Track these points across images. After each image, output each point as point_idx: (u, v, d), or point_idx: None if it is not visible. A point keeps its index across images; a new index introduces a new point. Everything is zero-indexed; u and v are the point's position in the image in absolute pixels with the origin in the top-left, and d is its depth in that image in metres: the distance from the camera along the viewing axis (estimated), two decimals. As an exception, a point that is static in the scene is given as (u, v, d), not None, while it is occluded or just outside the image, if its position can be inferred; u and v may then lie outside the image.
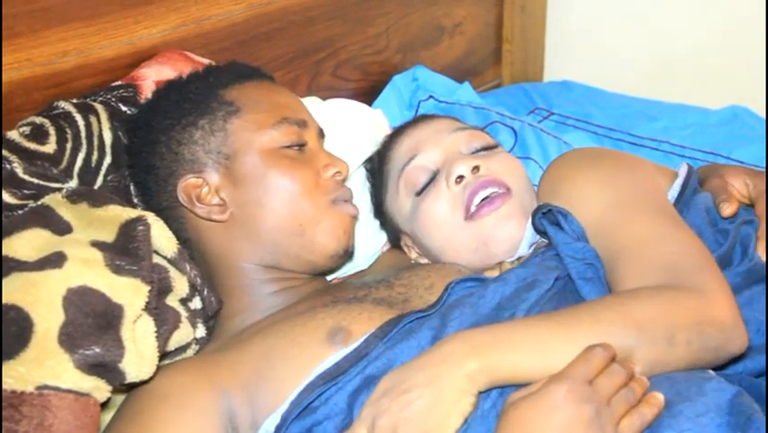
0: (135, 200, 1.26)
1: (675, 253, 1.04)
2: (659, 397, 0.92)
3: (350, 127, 1.53)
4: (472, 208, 1.24)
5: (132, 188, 1.26)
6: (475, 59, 2.23)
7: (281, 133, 1.22)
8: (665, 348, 0.96)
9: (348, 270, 1.42)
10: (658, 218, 1.10)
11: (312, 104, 1.58)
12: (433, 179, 1.30)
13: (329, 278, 1.37)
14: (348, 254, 1.25)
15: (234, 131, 1.21)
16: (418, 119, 1.42)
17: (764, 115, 2.00)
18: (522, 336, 0.97)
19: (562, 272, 1.11)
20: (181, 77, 1.30)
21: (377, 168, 1.41)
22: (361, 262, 1.44)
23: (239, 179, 1.20)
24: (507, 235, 1.23)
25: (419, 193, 1.30)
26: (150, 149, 1.22)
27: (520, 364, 0.95)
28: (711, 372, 1.00)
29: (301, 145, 1.24)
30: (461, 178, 1.26)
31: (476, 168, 1.26)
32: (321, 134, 1.30)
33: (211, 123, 1.21)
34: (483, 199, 1.24)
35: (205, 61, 1.46)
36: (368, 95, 1.86)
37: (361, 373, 1.03)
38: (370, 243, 1.46)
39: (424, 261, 1.35)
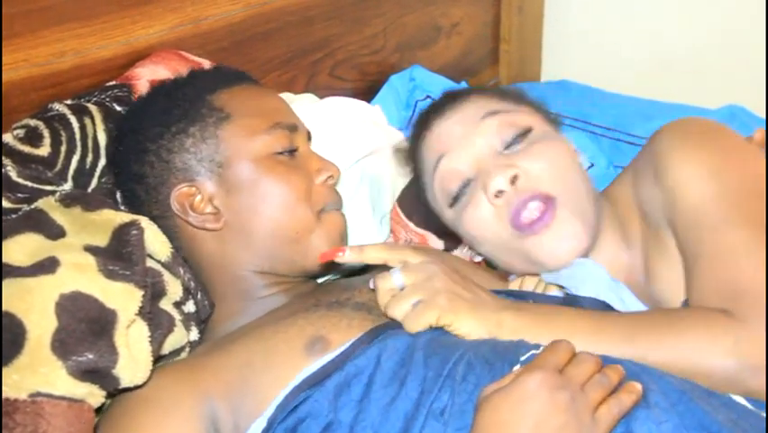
0: (122, 208, 1.23)
1: (748, 280, 1.01)
2: (637, 386, 0.92)
3: (348, 125, 1.53)
4: (521, 225, 1.16)
5: (118, 196, 1.25)
6: (472, 58, 2.23)
7: (274, 138, 1.20)
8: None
9: (343, 271, 1.42)
10: (747, 230, 1.04)
11: (309, 102, 1.58)
12: (467, 186, 1.22)
13: (322, 279, 1.36)
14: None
15: (226, 138, 1.19)
16: (444, 102, 1.30)
17: (764, 115, 2.00)
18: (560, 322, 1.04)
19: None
20: (166, 82, 1.28)
21: (410, 158, 1.36)
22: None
23: (232, 187, 1.18)
24: (564, 253, 1.17)
25: (453, 204, 1.24)
26: (138, 157, 1.20)
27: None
28: None
29: (292, 150, 1.23)
30: (500, 192, 1.17)
31: (514, 178, 1.17)
32: (309, 137, 1.29)
33: (202, 130, 1.19)
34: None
35: (200, 61, 1.46)
36: (365, 95, 1.86)
37: (343, 371, 1.04)
38: (368, 240, 1.46)
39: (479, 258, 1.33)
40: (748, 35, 2.18)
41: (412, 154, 1.34)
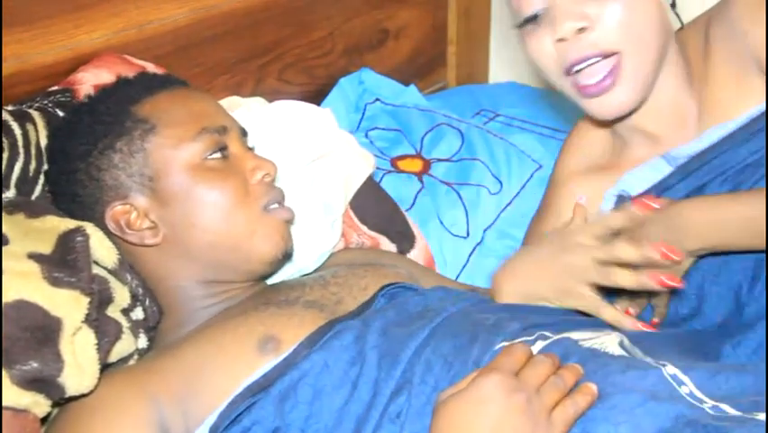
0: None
1: None
2: (592, 387, 0.93)
3: (298, 128, 1.52)
4: (578, 85, 1.17)
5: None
6: (420, 61, 2.24)
7: (202, 144, 1.17)
8: None
9: (293, 274, 1.41)
10: None
11: (258, 105, 1.57)
12: (536, 16, 1.18)
13: (271, 281, 1.36)
14: (287, 256, 1.24)
15: (154, 150, 1.16)
16: None
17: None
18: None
19: None
20: (90, 96, 1.25)
21: None
22: (309, 264, 1.43)
23: (166, 199, 1.16)
24: (612, 114, 1.18)
25: (521, 26, 1.20)
26: (69, 177, 1.18)
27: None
28: (664, 361, 0.99)
29: (223, 149, 1.20)
30: (564, 39, 1.15)
31: (582, 29, 1.14)
32: (243, 133, 1.26)
33: (129, 144, 1.16)
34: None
35: (144, 64, 1.44)
36: (314, 98, 1.86)
37: (288, 377, 1.03)
38: (319, 244, 1.45)
39: None
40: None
41: None
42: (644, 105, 1.21)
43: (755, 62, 1.16)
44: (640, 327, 1.12)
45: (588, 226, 1.15)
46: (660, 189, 1.21)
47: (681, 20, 1.26)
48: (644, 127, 1.24)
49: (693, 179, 1.19)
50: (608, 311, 1.13)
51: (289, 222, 1.24)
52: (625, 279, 1.10)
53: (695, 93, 1.21)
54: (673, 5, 1.24)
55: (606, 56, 1.14)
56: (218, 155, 1.19)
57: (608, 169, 1.26)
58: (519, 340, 1.02)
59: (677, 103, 1.22)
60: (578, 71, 1.16)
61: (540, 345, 1.02)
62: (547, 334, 1.04)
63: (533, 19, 1.18)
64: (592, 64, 1.15)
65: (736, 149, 1.17)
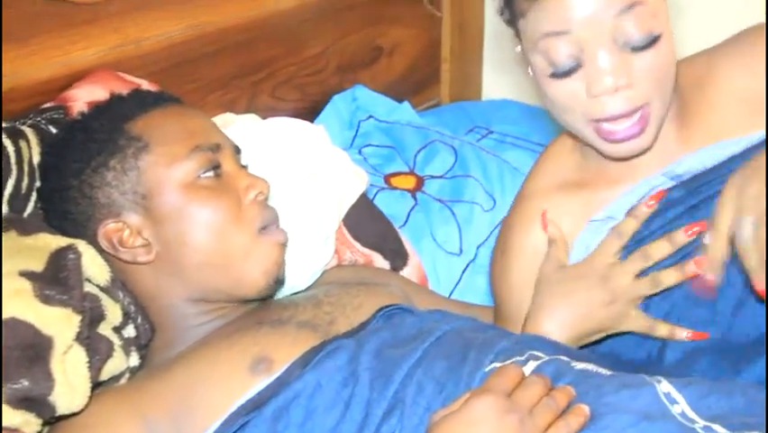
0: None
1: None
2: (584, 408, 0.93)
3: (291, 145, 1.52)
4: (604, 132, 1.12)
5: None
6: (414, 78, 2.25)
7: (195, 162, 1.17)
8: None
9: (285, 291, 1.41)
10: None
11: (251, 122, 1.57)
12: (573, 69, 1.11)
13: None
14: (279, 283, 1.23)
15: (147, 168, 1.16)
16: None
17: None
18: None
19: None
20: (83, 113, 1.25)
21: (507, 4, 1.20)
22: (302, 281, 1.43)
23: (159, 217, 1.16)
24: (627, 156, 1.15)
25: (554, 76, 1.12)
26: (62, 195, 1.18)
27: None
28: (659, 377, 0.99)
29: (216, 167, 1.20)
30: (600, 94, 1.10)
31: (619, 87, 1.08)
32: (237, 151, 1.26)
33: (122, 162, 1.16)
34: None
35: (138, 81, 1.44)
36: (307, 115, 1.86)
37: (281, 396, 1.03)
38: (311, 261, 1.45)
39: None
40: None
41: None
42: None
43: (745, 93, 1.15)
44: (688, 336, 1.14)
45: (607, 245, 1.16)
46: (664, 204, 1.21)
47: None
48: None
49: (697, 193, 1.18)
50: (663, 328, 1.15)
51: (284, 245, 1.24)
52: (671, 276, 1.12)
53: (675, 117, 1.19)
54: None
55: (636, 111, 1.11)
56: (211, 173, 1.19)
57: (581, 186, 1.25)
58: (511, 361, 1.02)
59: (666, 128, 1.18)
60: (605, 129, 1.13)
61: (532, 365, 1.02)
62: (538, 354, 1.04)
63: (571, 72, 1.11)
64: (623, 126, 1.12)
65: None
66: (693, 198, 1.17)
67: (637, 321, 1.16)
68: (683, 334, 1.14)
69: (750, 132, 1.15)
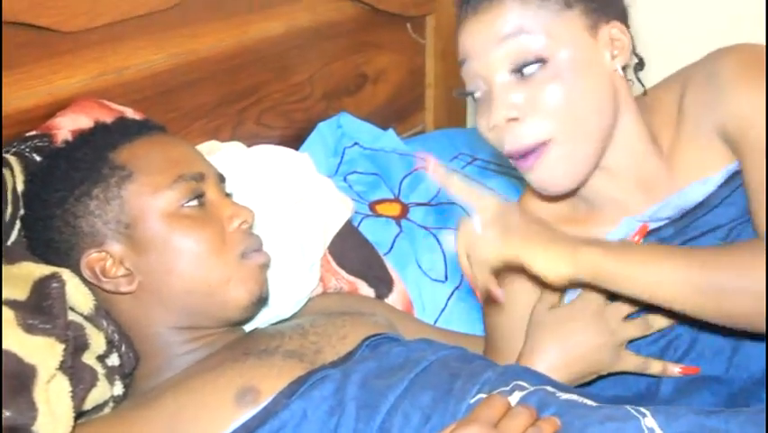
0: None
1: None
2: None
3: (276, 172, 1.53)
4: (512, 158, 1.14)
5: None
6: (399, 105, 2.26)
7: (179, 192, 1.18)
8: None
9: (270, 319, 1.41)
10: None
11: (236, 149, 1.57)
12: (477, 92, 1.16)
13: (249, 326, 1.35)
14: (262, 301, 1.24)
15: (130, 197, 1.16)
16: (478, 4, 1.15)
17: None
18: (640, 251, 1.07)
19: None
20: (67, 141, 1.25)
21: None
22: (287, 309, 1.43)
23: (142, 247, 1.16)
24: (552, 190, 1.16)
25: (461, 95, 1.19)
26: (46, 223, 1.17)
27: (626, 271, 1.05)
28: (644, 410, 0.99)
29: (200, 196, 1.20)
30: (497, 126, 1.12)
31: (513, 119, 1.11)
32: (221, 179, 1.27)
33: (105, 191, 1.16)
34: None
35: (122, 109, 1.44)
36: (293, 142, 1.86)
37: (267, 427, 1.03)
38: (297, 289, 1.45)
39: None
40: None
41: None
42: (603, 175, 1.19)
43: (721, 131, 1.14)
44: (679, 372, 1.18)
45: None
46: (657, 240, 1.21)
47: (642, 84, 1.22)
48: (607, 193, 1.21)
49: (683, 233, 1.19)
50: (656, 365, 1.18)
51: (265, 266, 1.24)
52: (662, 320, 1.17)
53: (663, 155, 1.19)
54: (641, 65, 1.22)
55: (536, 145, 1.12)
56: (195, 203, 1.19)
57: (574, 223, 1.25)
58: (497, 391, 1.02)
59: (640, 168, 1.19)
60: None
61: (517, 395, 1.02)
62: (524, 384, 1.04)
63: (470, 95, 1.17)
64: (523, 153, 1.13)
65: (727, 208, 1.16)
66: (682, 236, 1.18)
67: (629, 361, 1.18)
68: (676, 369, 1.16)
69: (728, 164, 1.16)
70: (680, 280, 1.03)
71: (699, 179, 1.16)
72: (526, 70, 1.10)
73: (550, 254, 1.06)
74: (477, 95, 1.16)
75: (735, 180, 1.15)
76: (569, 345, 1.18)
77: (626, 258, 1.06)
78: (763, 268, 1.00)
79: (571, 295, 1.23)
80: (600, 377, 1.20)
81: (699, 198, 1.17)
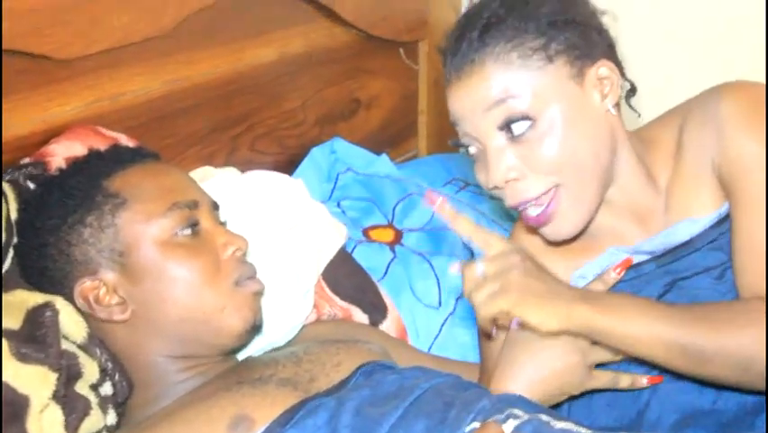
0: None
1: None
2: None
3: (270, 199, 1.53)
4: (522, 215, 1.15)
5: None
6: (392, 130, 2.26)
7: (172, 220, 1.18)
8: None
9: (264, 346, 1.40)
10: None
11: (231, 175, 1.58)
12: (472, 149, 1.16)
13: (243, 354, 1.35)
14: (256, 329, 1.24)
15: (124, 225, 1.16)
16: (462, 57, 1.13)
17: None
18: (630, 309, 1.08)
19: None
20: (61, 169, 1.25)
21: None
22: (281, 336, 1.42)
23: (136, 275, 1.16)
24: (564, 236, 1.16)
25: (457, 144, 1.19)
26: (39, 251, 1.17)
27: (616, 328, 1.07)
28: None
29: (193, 225, 1.20)
30: (497, 187, 1.14)
31: (510, 179, 1.12)
32: (215, 207, 1.27)
33: (99, 219, 1.16)
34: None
35: (116, 136, 1.45)
36: (286, 167, 1.86)
37: None
38: (290, 315, 1.45)
39: None
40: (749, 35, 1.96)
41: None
42: (602, 208, 1.19)
43: (718, 172, 1.14)
44: (646, 383, 1.19)
45: None
46: (636, 275, 1.22)
47: (636, 111, 1.23)
48: (603, 224, 1.22)
49: (666, 274, 1.20)
50: (625, 379, 1.19)
51: (259, 294, 1.24)
52: None
53: (659, 190, 1.20)
54: (633, 92, 1.22)
55: (538, 202, 1.13)
56: (189, 231, 1.19)
57: (567, 252, 1.26)
58: (491, 419, 1.02)
59: (637, 201, 1.19)
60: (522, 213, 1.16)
61: (512, 424, 1.02)
62: (518, 413, 1.04)
63: (466, 148, 1.17)
64: (531, 211, 1.14)
65: (713, 252, 1.17)
66: (672, 275, 1.19)
67: (599, 379, 1.18)
68: (643, 381, 1.18)
69: (720, 206, 1.17)
70: (666, 342, 1.06)
71: (690, 217, 1.17)
72: (516, 128, 1.10)
73: (545, 311, 1.07)
74: (472, 150, 1.16)
75: (724, 225, 1.16)
76: (541, 363, 1.17)
77: (618, 316, 1.07)
78: (744, 331, 1.04)
79: None
80: (572, 397, 1.20)
81: (685, 237, 1.17)
